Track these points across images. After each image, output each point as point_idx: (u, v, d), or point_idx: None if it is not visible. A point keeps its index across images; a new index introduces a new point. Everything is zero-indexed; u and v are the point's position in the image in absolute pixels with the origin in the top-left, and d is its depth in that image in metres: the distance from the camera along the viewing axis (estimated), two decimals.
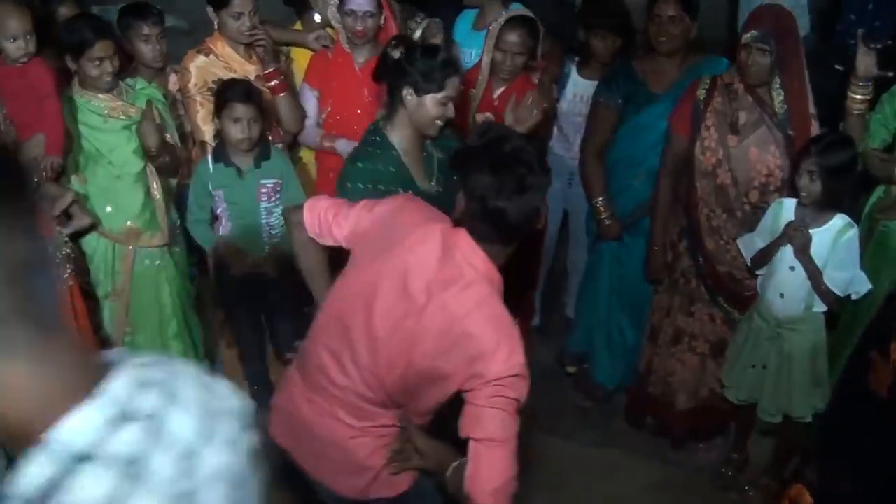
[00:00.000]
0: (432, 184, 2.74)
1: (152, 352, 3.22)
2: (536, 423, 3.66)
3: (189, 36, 3.51)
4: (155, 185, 3.25)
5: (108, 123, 3.11)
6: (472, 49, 3.77)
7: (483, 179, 1.90)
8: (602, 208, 3.53)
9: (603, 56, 3.70)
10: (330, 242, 2.21)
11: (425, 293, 1.95)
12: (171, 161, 3.25)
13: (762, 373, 3.17)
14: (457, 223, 2.04)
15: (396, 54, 2.66)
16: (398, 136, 2.68)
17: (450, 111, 2.63)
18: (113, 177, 3.16)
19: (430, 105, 2.59)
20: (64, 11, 3.48)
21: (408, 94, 2.59)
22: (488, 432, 1.89)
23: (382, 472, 2.13)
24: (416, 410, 2.09)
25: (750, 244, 3.14)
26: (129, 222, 3.21)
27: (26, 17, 2.98)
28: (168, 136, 3.24)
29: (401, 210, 2.10)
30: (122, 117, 3.13)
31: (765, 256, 3.10)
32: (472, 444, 1.91)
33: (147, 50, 3.34)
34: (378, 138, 2.69)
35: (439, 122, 2.63)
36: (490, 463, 1.90)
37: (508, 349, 1.90)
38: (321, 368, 2.09)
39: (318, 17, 3.77)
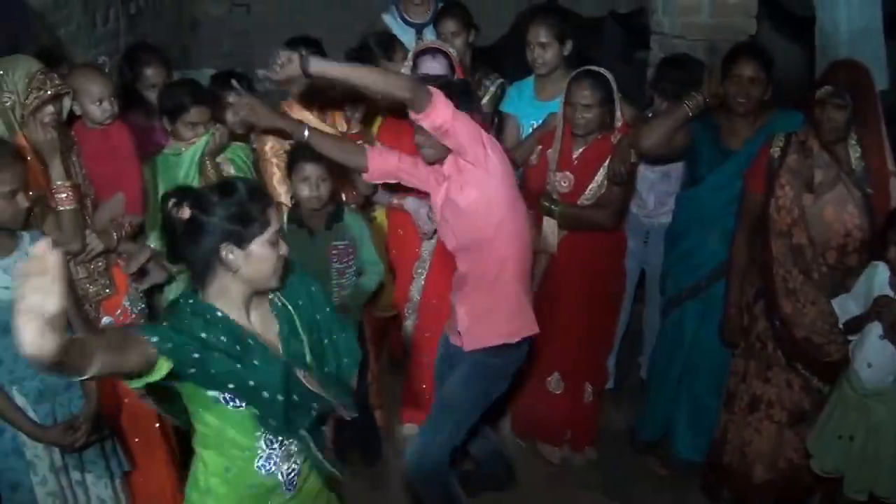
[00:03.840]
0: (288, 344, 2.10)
1: None
2: (607, 490, 3.54)
3: (284, 97, 3.63)
4: None
5: (183, 153, 3.26)
6: (535, 121, 3.72)
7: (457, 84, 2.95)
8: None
9: None
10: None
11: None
12: None
13: (850, 445, 2.98)
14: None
15: (186, 214, 1.95)
16: (226, 304, 2.01)
17: (283, 249, 2.03)
18: None
19: (260, 251, 1.98)
20: (150, 73, 3.60)
21: (227, 253, 1.95)
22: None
23: None
24: None
25: (845, 307, 2.99)
26: None
27: (109, 80, 3.14)
28: None
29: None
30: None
31: (857, 324, 2.95)
32: None
33: (229, 116, 3.47)
34: (197, 308, 1.99)
35: (279, 269, 2.04)
36: None
37: None
38: (461, 276, 3.01)
39: None
